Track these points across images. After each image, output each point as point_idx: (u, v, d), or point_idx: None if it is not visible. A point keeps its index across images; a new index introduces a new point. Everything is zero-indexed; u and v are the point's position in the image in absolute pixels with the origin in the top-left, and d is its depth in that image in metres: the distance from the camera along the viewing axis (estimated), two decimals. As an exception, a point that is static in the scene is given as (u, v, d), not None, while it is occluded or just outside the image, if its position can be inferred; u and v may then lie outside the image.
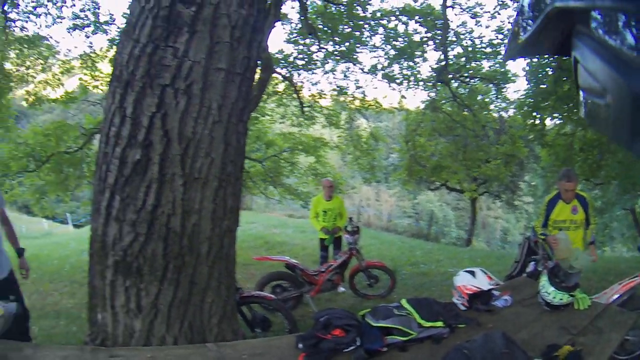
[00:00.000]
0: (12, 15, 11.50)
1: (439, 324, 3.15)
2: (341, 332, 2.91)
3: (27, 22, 11.73)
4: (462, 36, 12.83)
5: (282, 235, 15.83)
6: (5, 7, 11.04)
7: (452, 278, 3.89)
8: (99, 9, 11.89)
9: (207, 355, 2.84)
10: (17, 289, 4.30)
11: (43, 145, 11.78)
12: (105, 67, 12.72)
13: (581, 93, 0.76)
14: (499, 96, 15.14)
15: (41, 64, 12.97)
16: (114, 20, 12.01)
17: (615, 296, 4.63)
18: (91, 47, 12.42)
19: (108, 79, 11.89)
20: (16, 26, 11.76)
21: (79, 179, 12.48)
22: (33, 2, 11.47)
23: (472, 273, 3.75)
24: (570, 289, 3.56)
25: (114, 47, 11.86)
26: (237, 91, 3.55)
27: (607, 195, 18.00)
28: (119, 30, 11.75)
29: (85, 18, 11.78)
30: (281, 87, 14.63)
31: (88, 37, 12.09)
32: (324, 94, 14.77)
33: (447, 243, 25.81)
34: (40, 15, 11.61)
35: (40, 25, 12.16)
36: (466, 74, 13.40)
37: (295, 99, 14.49)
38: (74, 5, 12.33)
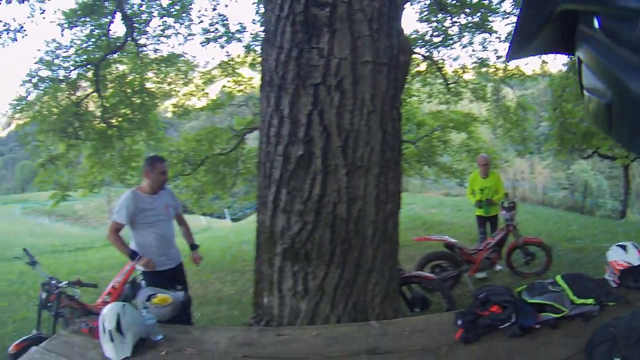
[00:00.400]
0: (142, 41, 12.30)
1: (590, 301, 3.08)
2: (498, 308, 2.95)
3: (158, 44, 12.58)
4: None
5: (439, 214, 15.66)
6: (134, 36, 11.80)
7: (606, 253, 3.73)
8: (227, 20, 12.52)
9: (370, 332, 2.97)
10: (184, 280, 4.82)
11: (196, 150, 12.48)
12: (246, 72, 13.33)
13: (585, 93, 0.76)
14: None
15: (182, 78, 13.77)
16: (245, 29, 12.49)
17: None
18: (228, 55, 13.08)
19: (250, 83, 12.70)
20: (149, 50, 12.63)
21: (235, 177, 13.05)
22: (160, 26, 12.35)
23: (624, 247, 3.59)
24: None
25: (251, 52, 12.59)
26: (386, 80, 3.65)
27: None
28: (252, 35, 12.34)
29: (216, 31, 12.39)
30: (423, 66, 14.33)
31: (223, 47, 12.69)
32: (467, 68, 14.43)
33: (602, 216, 23.91)
34: (170, 36, 12.43)
35: (174, 45, 13.05)
36: None
37: (438, 77, 14.15)
38: (202, 22, 13.05)
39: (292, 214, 3.61)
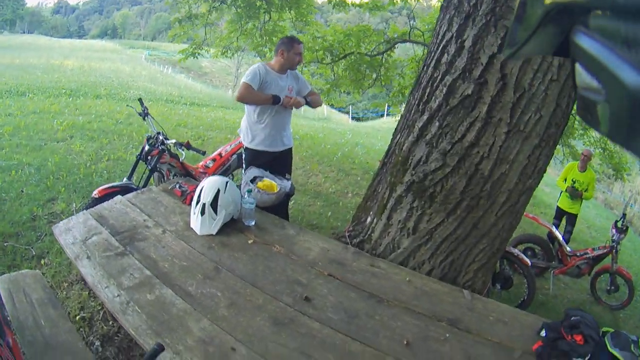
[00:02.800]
0: None
1: None
2: (582, 340, 2.72)
3: None
4: None
5: (549, 196, 15.21)
6: None
7: None
8: None
9: (459, 301, 2.86)
10: (290, 167, 4.81)
11: (342, 43, 12.30)
12: None
13: (578, 92, 0.71)
14: None
15: None
16: None
17: None
18: None
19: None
20: None
21: (374, 81, 12.99)
22: None
23: None
24: None
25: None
26: None
27: None
28: None
29: None
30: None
31: None
32: None
33: None
34: None
35: None
36: None
37: None
38: None
39: (435, 150, 3.47)
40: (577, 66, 0.71)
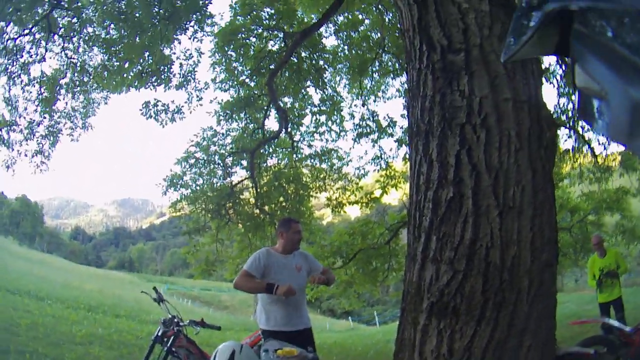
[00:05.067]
0: (297, 138, 13.40)
1: None
2: None
3: (312, 140, 13.57)
4: None
5: (594, 310, 14.29)
6: (290, 130, 12.93)
7: None
8: (377, 116, 13.31)
9: None
10: (313, 344, 4.58)
11: (349, 244, 12.90)
12: (398, 165, 13.82)
13: (577, 93, 0.74)
14: None
15: (336, 172, 14.55)
16: (395, 123, 13.10)
17: None
18: (381, 149, 13.67)
19: (402, 177, 13.00)
20: (303, 145, 13.63)
21: (388, 271, 13.14)
22: (312, 123, 13.35)
23: None
24: None
25: (403, 145, 13.01)
26: (528, 117, 3.53)
27: None
28: (402, 130, 12.84)
29: (365, 127, 13.20)
30: (569, 143, 14.01)
31: (375, 142, 13.43)
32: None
33: None
34: (324, 132, 13.43)
35: (327, 140, 13.82)
36: None
37: (587, 155, 13.76)
38: (353, 118, 13.81)
39: (442, 263, 3.42)
40: (577, 67, 0.74)
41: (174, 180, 12.83)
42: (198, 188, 12.97)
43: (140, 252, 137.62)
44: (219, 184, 13.09)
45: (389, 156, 13.71)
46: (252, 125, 13.14)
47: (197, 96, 12.37)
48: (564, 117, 12.53)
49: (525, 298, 3.34)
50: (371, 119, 13.41)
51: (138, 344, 9.73)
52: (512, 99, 3.50)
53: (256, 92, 12.61)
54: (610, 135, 0.65)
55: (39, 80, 11.71)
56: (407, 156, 12.15)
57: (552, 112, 11.06)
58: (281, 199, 13.45)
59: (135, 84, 11.82)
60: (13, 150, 12.16)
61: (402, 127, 12.92)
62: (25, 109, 12.04)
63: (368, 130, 13.22)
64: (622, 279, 7.99)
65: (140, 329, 12.40)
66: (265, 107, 12.73)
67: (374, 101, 14.11)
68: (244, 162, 12.94)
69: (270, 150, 13.60)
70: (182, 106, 12.31)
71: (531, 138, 3.53)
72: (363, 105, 13.72)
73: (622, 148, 13.77)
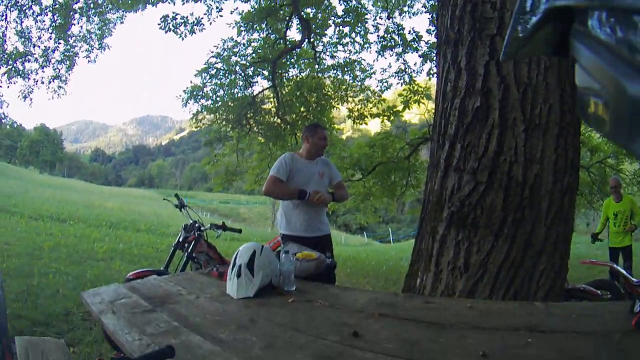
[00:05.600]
0: (319, 48, 12.87)
1: None
2: None
3: (335, 51, 13.04)
4: None
5: (604, 256, 14.34)
6: (312, 40, 12.44)
7: None
8: (403, 30, 12.70)
9: (532, 311, 2.57)
10: (331, 250, 4.54)
11: (368, 156, 12.65)
12: (422, 80, 13.31)
13: (578, 92, 0.74)
14: None
15: (359, 84, 13.97)
16: (420, 38, 12.55)
17: None
18: (405, 63, 13.12)
19: (424, 93, 12.63)
20: (326, 56, 13.12)
21: (406, 187, 13.10)
22: (336, 34, 12.76)
23: None
24: None
25: (427, 62, 12.59)
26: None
27: None
28: (427, 44, 12.37)
29: (390, 40, 12.64)
30: None
31: (399, 55, 12.88)
32: None
33: None
34: (347, 43, 12.83)
35: (350, 52, 13.21)
36: None
37: None
38: (378, 30, 13.16)
39: (464, 173, 3.38)
40: (577, 67, 0.73)
41: (194, 92, 12.54)
42: (218, 99, 12.73)
43: (160, 168, 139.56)
44: (239, 94, 12.87)
45: (413, 70, 13.15)
46: (273, 35, 12.66)
47: (217, 7, 11.99)
48: None
49: (544, 219, 3.28)
50: (396, 32, 12.80)
51: (158, 256, 9.85)
52: None
53: (278, 1, 12.15)
54: (610, 135, 0.63)
55: (51, 8, 11.32)
56: (433, 70, 11.87)
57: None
58: (302, 108, 13.11)
59: (152, -1, 11.45)
60: (29, 79, 11.78)
61: (427, 42, 12.48)
62: (40, 37, 11.70)
63: (393, 43, 12.65)
64: (633, 235, 7.83)
65: (160, 241, 12.65)
66: (287, 18, 12.30)
67: (400, 15, 13.39)
68: (265, 73, 12.64)
69: (292, 61, 13.19)
70: (202, 18, 11.84)
71: (561, 58, 3.38)
72: (388, 18, 13.06)
73: None
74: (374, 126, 15.42)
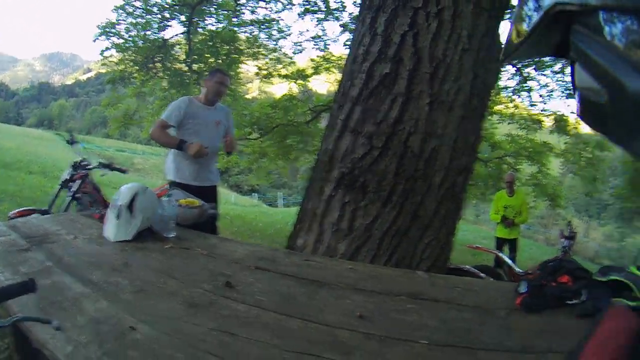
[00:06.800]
0: (242, 1, 12.47)
1: None
2: (569, 279, 2.49)
3: (257, 7, 12.65)
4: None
5: (489, 245, 15.29)
6: None
7: None
8: None
9: (415, 279, 2.64)
10: (216, 202, 4.49)
11: (269, 116, 12.52)
12: (337, 49, 13.23)
13: (577, 92, 0.70)
14: None
15: (274, 43, 13.70)
16: (344, 8, 12.41)
17: None
18: (323, 30, 13.00)
19: (340, 62, 12.55)
20: (246, 9, 12.71)
21: (301, 152, 13.08)
22: None
23: None
24: None
25: (346, 32, 12.43)
26: (485, 26, 3.46)
27: None
28: (350, 16, 12.23)
29: (314, 4, 12.35)
30: (512, 82, 13.83)
31: (320, 22, 12.61)
32: (552, 97, 13.73)
33: None
34: (270, 2, 12.48)
35: (271, 9, 12.80)
36: None
37: (524, 100, 13.85)
38: None
39: (360, 135, 3.34)
40: (577, 67, 0.71)
41: (107, 29, 11.91)
42: (130, 38, 12.11)
43: (61, 109, 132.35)
44: (152, 37, 12.22)
45: (330, 38, 13.02)
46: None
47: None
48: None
49: (435, 194, 3.34)
50: None
51: (47, 200, 9.51)
52: (474, 3, 3.39)
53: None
54: (610, 136, 0.62)
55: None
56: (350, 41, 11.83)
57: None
58: (212, 59, 12.71)
59: None
60: None
61: (351, 14, 12.30)
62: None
63: (316, 8, 12.41)
64: (521, 229, 8.34)
65: (50, 185, 12.01)
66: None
67: None
68: (183, 18, 12.03)
69: (212, 9, 12.63)
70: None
71: (482, 45, 3.46)
72: None
73: (559, 108, 14.27)
74: (280, 91, 15.24)
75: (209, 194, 4.31)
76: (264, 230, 11.41)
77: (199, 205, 3.59)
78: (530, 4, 0.74)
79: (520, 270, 6.63)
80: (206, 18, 12.70)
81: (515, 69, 12.64)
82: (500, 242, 8.01)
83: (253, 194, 39.63)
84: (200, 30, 12.64)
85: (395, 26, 3.33)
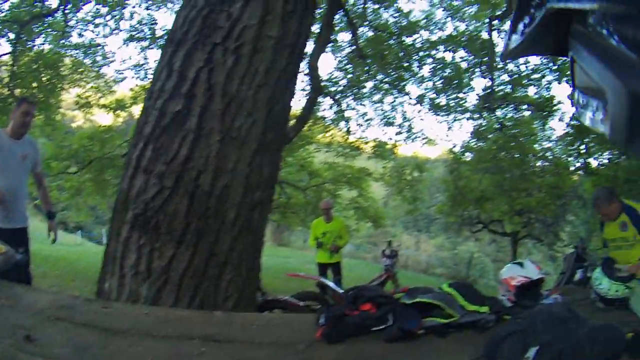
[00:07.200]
0: (72, 23, 11.88)
1: (485, 309, 2.72)
2: (372, 306, 2.55)
3: (85, 30, 12.04)
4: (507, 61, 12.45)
5: (315, 271, 15.55)
6: (67, 12, 11.41)
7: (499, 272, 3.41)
8: (156, 24, 12.19)
9: (211, 320, 2.64)
10: (27, 246, 4.07)
11: (87, 148, 11.99)
12: None
13: (576, 93, 0.76)
14: (545, 124, 14.72)
15: (95, 70, 13.24)
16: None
17: None
18: (146, 59, 12.57)
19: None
20: (74, 31, 12.08)
21: (118, 186, 12.45)
22: (92, 12, 11.84)
23: (520, 264, 3.30)
24: (626, 279, 3.14)
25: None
26: (285, 61, 3.57)
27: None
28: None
29: (141, 31, 12.06)
30: (329, 113, 14.26)
31: (143, 49, 12.34)
32: (370, 125, 14.58)
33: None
34: (99, 25, 11.95)
35: (98, 34, 12.18)
36: (512, 102, 13.14)
37: (342, 129, 14.41)
38: (132, 18, 12.40)
39: (152, 175, 3.26)
40: (576, 67, 0.73)
41: None
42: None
43: None
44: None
45: (151, 68, 12.37)
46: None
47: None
48: (333, 88, 12.99)
49: (229, 230, 3.33)
50: (148, 24, 12.13)
51: None
52: (277, 38, 3.48)
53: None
54: (610, 135, 0.62)
55: None
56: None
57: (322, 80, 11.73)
58: (35, 84, 11.83)
59: None
60: None
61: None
62: None
63: (142, 35, 12.04)
64: (345, 250, 8.57)
65: None
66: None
67: (157, 8, 12.78)
68: (12, 35, 11.09)
69: (42, 27, 11.74)
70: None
71: (280, 79, 3.54)
72: (147, 8, 12.25)
73: (379, 136, 15.33)
74: (106, 120, 14.66)
75: (17, 237, 3.88)
76: (86, 271, 10.68)
77: (3, 251, 3.22)
78: (530, 4, 0.76)
79: (342, 292, 6.83)
80: (35, 38, 11.77)
81: (332, 99, 13.18)
82: (322, 267, 8.03)
83: (78, 231, 37.08)
84: (27, 52, 11.70)
85: (192, 61, 3.32)
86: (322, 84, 11.93)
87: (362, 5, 11.71)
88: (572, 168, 15.35)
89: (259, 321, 2.61)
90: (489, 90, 12.25)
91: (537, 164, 15.04)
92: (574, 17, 0.71)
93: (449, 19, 12.70)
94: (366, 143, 14.78)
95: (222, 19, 3.38)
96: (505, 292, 3.13)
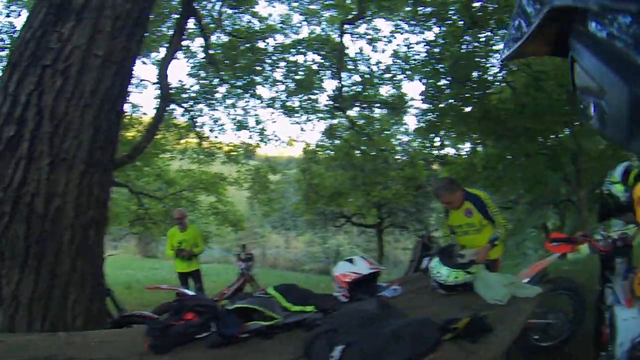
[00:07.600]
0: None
1: (310, 308, 2.86)
2: (194, 316, 2.65)
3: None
4: (359, 62, 13.35)
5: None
6: None
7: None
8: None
9: (54, 342, 2.65)
10: None
11: None
12: None
13: (577, 93, 0.76)
14: (398, 121, 15.86)
15: None
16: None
17: (526, 279, 4.35)
18: None
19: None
20: None
21: None
22: None
23: (351, 260, 3.48)
24: (466, 266, 3.38)
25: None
26: (111, 79, 3.64)
27: (516, 215, 18.34)
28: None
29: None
30: (181, 120, 14.37)
31: None
32: (224, 130, 14.80)
33: None
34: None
35: None
36: (363, 101, 13.80)
37: (195, 135, 14.35)
38: None
39: None
40: (576, 67, 0.70)
41: None
42: None
43: None
44: None
45: None
46: None
47: None
48: (185, 95, 13.08)
49: (67, 251, 3.38)
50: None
51: None
52: (104, 57, 3.54)
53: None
54: (610, 135, 0.64)
55: None
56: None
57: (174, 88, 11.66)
58: None
59: None
60: None
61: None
62: None
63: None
64: (214, 255, 8.49)
65: None
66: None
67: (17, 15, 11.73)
68: None
69: None
70: None
71: (106, 98, 3.61)
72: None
73: (233, 140, 15.40)
74: None
75: None
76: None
77: None
78: (530, 4, 0.75)
79: (210, 299, 6.90)
80: None
81: (182, 107, 13.26)
82: (183, 277, 7.96)
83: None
84: None
85: (25, 85, 3.32)
86: (174, 91, 11.92)
87: (218, 11, 11.78)
88: (430, 160, 16.37)
89: (96, 338, 2.64)
90: (337, 92, 12.79)
91: (396, 158, 15.74)
92: (575, 16, 0.71)
93: (305, 22, 13.02)
94: (219, 148, 14.88)
95: (54, 40, 3.41)
96: (339, 288, 3.35)
